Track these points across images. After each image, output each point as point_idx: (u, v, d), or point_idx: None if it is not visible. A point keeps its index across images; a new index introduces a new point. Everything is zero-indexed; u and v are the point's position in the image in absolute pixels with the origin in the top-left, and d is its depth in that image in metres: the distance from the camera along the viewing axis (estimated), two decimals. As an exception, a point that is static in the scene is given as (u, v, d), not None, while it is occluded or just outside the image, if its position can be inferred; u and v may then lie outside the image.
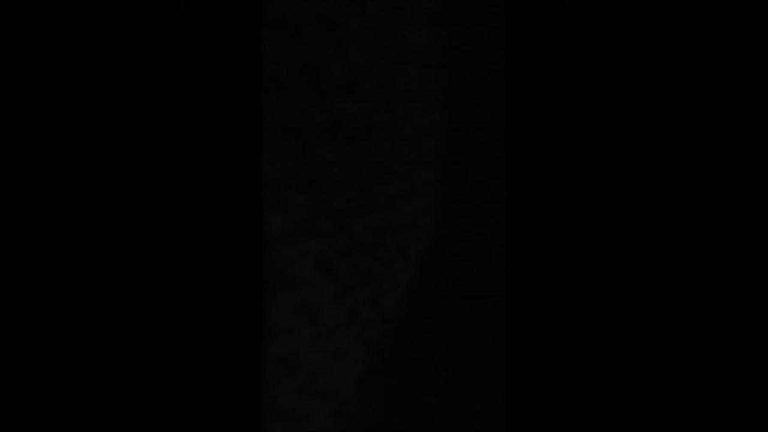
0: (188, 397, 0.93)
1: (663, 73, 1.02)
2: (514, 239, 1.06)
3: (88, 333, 0.89)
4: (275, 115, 1.69)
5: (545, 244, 1.05)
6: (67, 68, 0.88)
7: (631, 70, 1.02)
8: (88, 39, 0.88)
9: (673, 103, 1.02)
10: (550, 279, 1.04)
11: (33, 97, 0.88)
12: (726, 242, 1.01)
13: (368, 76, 2.07)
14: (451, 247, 2.69)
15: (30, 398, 0.88)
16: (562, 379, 1.05)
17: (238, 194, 0.93)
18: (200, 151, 0.92)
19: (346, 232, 2.01)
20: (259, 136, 0.95)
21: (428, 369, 2.53)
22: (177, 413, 0.92)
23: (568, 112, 1.03)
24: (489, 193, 2.97)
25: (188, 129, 0.91)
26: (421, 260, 2.49)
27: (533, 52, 1.04)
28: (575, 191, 1.03)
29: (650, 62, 1.02)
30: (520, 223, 1.05)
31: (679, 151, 1.02)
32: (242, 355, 0.95)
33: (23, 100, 0.88)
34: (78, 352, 0.89)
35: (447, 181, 2.66)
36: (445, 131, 2.62)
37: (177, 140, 0.90)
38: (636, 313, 1.03)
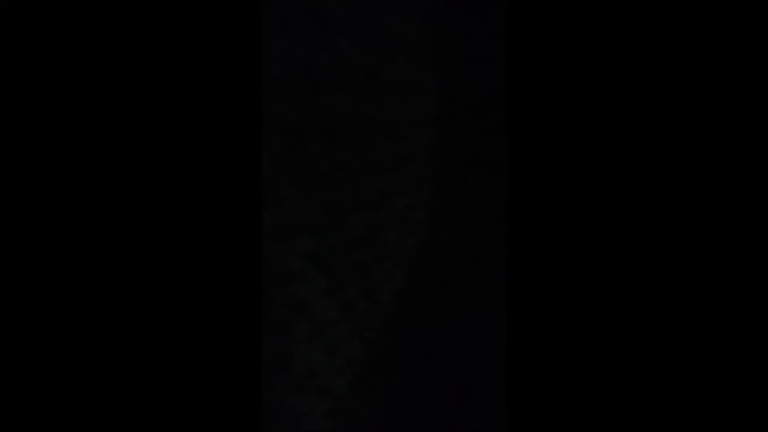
0: (188, 395, 0.93)
1: (663, 73, 1.02)
2: (514, 239, 1.06)
3: (87, 332, 0.89)
4: (272, 111, 1.69)
5: (545, 244, 1.05)
6: (67, 68, 0.88)
7: (631, 70, 1.02)
8: (88, 39, 0.88)
9: (674, 103, 1.02)
10: (550, 279, 1.04)
11: (33, 97, 0.88)
12: (728, 242, 1.01)
13: (366, 75, 2.07)
14: (451, 247, 2.68)
15: (29, 397, 0.88)
16: (562, 379, 1.05)
17: (238, 191, 0.93)
18: (200, 149, 0.92)
19: (342, 228, 2.00)
20: (259, 134, 0.95)
21: (428, 369, 2.53)
22: (176, 410, 0.92)
23: (568, 112, 1.03)
24: (489, 193, 2.97)
25: (188, 128, 0.91)
26: (420, 258, 2.49)
27: (533, 52, 1.04)
28: (575, 191, 1.03)
29: (650, 62, 1.02)
30: (520, 223, 1.05)
31: (680, 151, 1.02)
32: (241, 352, 0.95)
33: (23, 100, 0.88)
34: (77, 351, 0.89)
35: (446, 180, 2.66)
36: (444, 131, 2.62)
37: (177, 140, 0.90)
38: (636, 312, 1.03)
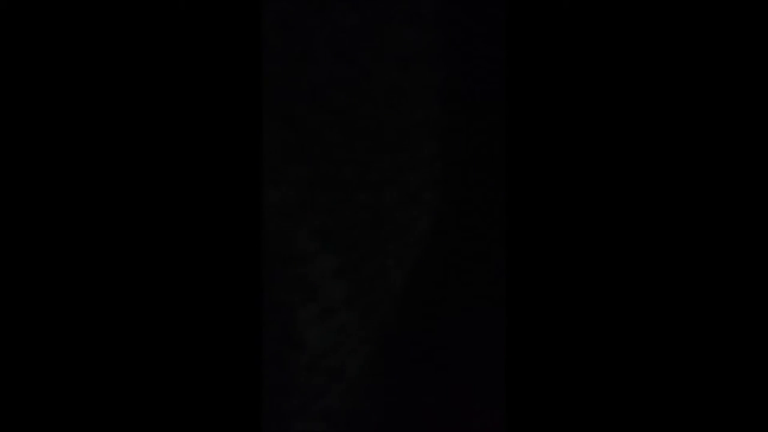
0: (186, 378, 0.93)
1: (663, 73, 1.02)
2: (514, 239, 1.06)
3: (85, 315, 0.89)
4: (274, 89, 1.69)
5: (545, 244, 1.04)
6: (68, 68, 0.88)
7: (630, 70, 1.02)
8: (88, 39, 0.88)
9: (673, 102, 1.02)
10: (550, 279, 1.04)
11: (33, 97, 0.88)
12: (727, 242, 1.01)
13: (366, 75, 2.06)
14: (451, 247, 2.68)
15: (28, 396, 0.88)
16: (562, 379, 1.05)
17: (238, 170, 0.93)
18: (200, 132, 0.91)
19: (347, 207, 1.98)
20: (259, 112, 0.95)
21: (428, 369, 2.53)
22: (173, 395, 0.92)
23: (568, 112, 1.03)
24: (489, 193, 2.97)
25: (188, 107, 0.91)
26: (421, 258, 2.49)
27: (533, 52, 1.04)
28: (575, 191, 1.03)
29: (650, 62, 1.02)
30: (520, 223, 1.05)
31: (679, 151, 1.02)
32: (242, 334, 0.94)
33: (23, 100, 0.88)
34: (72, 338, 0.89)
35: (446, 180, 2.66)
36: (444, 131, 2.62)
37: (178, 124, 0.90)
38: (636, 312, 1.03)
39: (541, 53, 1.04)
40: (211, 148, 0.93)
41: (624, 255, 1.03)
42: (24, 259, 0.86)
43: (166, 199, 0.91)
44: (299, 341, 1.80)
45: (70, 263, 0.88)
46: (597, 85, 1.02)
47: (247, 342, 0.95)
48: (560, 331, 1.05)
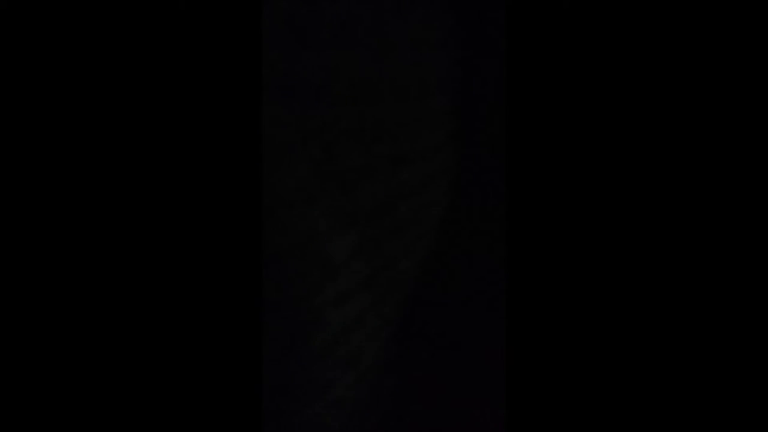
0: (186, 373, 0.93)
1: (664, 74, 1.02)
2: (514, 239, 1.06)
3: (83, 310, 0.89)
4: (274, 76, 1.69)
5: (545, 244, 1.05)
6: (69, 66, 0.89)
7: (631, 71, 1.02)
8: (88, 38, 0.89)
9: (674, 103, 1.02)
10: (550, 278, 1.05)
11: (32, 97, 0.88)
12: (728, 242, 1.01)
13: (365, 80, 2.07)
14: (451, 246, 2.69)
15: (25, 396, 0.88)
16: (562, 379, 1.05)
17: (239, 158, 0.93)
18: (199, 117, 0.92)
19: (353, 196, 1.98)
20: (258, 101, 0.95)
21: (427, 368, 2.53)
22: (170, 387, 0.92)
23: (568, 112, 1.03)
24: (489, 193, 2.97)
25: (186, 98, 0.91)
26: (429, 249, 2.49)
27: (533, 52, 1.04)
28: (575, 190, 1.04)
29: (651, 63, 1.02)
30: (520, 223, 1.06)
31: (680, 152, 1.02)
32: (242, 327, 0.95)
33: (21, 100, 0.88)
34: (69, 331, 0.89)
35: (454, 171, 2.66)
36: (450, 123, 2.62)
37: (176, 118, 0.91)
38: (637, 312, 1.03)
39: (540, 53, 1.04)
40: (213, 135, 0.93)
41: (625, 255, 1.03)
42: (19, 253, 0.87)
43: (174, 179, 0.91)
44: (303, 332, 1.80)
45: (65, 256, 0.88)
46: (597, 85, 1.03)
47: (250, 333, 0.95)
48: (560, 331, 1.05)
